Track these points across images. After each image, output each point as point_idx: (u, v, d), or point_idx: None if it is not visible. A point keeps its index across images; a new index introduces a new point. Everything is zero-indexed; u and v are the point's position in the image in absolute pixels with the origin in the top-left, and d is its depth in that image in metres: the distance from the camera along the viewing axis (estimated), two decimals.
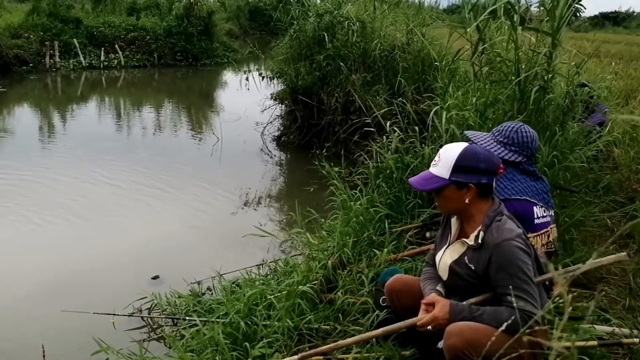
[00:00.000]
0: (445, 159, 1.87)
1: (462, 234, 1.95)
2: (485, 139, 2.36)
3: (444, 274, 1.97)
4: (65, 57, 15.51)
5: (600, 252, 2.50)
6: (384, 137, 4.04)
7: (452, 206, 1.92)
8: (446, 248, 1.98)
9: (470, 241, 1.87)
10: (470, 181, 1.84)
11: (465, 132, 2.64)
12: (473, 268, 1.84)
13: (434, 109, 3.76)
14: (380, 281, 2.62)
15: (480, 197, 1.88)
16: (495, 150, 2.28)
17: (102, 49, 16.32)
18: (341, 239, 3.18)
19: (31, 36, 15.00)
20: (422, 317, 1.86)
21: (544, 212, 2.28)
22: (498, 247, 1.77)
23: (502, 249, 1.76)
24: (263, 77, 7.64)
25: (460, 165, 1.84)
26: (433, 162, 1.94)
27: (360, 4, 7.21)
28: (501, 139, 2.31)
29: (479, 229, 1.85)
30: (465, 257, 1.88)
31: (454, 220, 2.01)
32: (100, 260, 4.04)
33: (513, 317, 1.63)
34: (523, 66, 3.37)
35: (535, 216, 2.24)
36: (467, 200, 1.86)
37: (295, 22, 7.15)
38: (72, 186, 5.78)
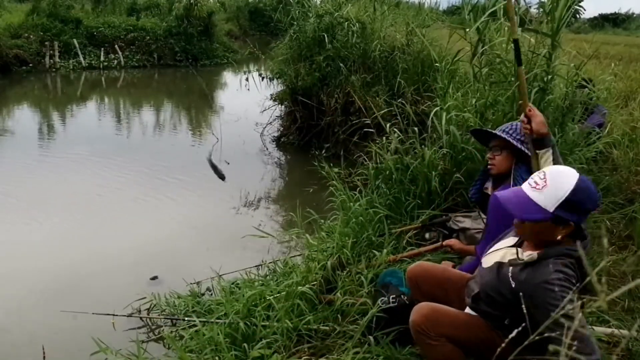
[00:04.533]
0: (555, 188, 1.58)
1: (522, 243, 1.80)
2: (505, 133, 2.37)
3: (487, 263, 1.85)
4: (65, 57, 15.50)
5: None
6: (384, 138, 4.04)
7: (539, 238, 1.68)
8: (506, 247, 1.82)
9: (523, 257, 1.70)
10: (572, 219, 1.60)
11: (483, 128, 2.63)
12: (513, 285, 1.66)
13: (434, 110, 3.76)
14: (380, 282, 2.63)
15: (571, 237, 1.64)
16: (521, 145, 2.31)
17: (102, 49, 16.32)
18: (340, 240, 3.18)
19: (31, 36, 15.00)
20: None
21: None
22: (543, 284, 1.55)
23: (545, 288, 1.54)
24: (263, 78, 7.63)
25: (571, 200, 1.57)
26: (535, 184, 1.63)
27: (360, 5, 7.22)
28: (518, 137, 2.34)
29: (538, 252, 1.66)
30: (511, 268, 1.72)
31: None
32: (99, 260, 4.04)
33: None
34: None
35: None
36: (559, 237, 1.62)
37: (295, 23, 7.15)
38: (71, 186, 5.78)
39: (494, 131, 2.47)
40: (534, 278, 1.60)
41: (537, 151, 2.15)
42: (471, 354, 1.89)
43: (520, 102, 2.42)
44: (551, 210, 1.58)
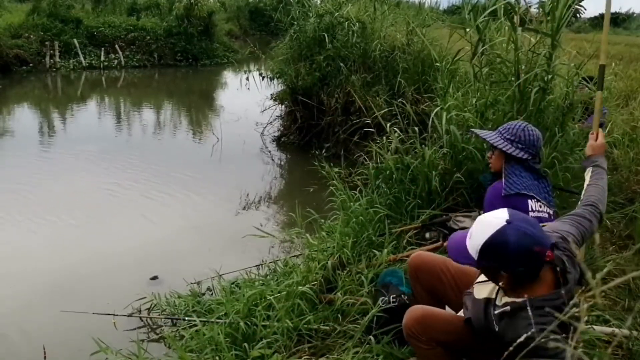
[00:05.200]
0: (474, 239, 1.61)
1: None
2: (492, 136, 2.43)
3: (478, 293, 1.80)
4: (65, 57, 15.50)
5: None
6: (384, 137, 4.04)
7: (492, 281, 1.70)
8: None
9: (499, 302, 1.66)
10: (501, 269, 1.58)
11: (472, 129, 2.69)
12: (497, 329, 1.63)
13: (434, 110, 3.76)
14: (380, 282, 2.63)
15: (522, 282, 1.59)
16: (504, 146, 2.35)
17: (102, 49, 16.32)
18: (341, 240, 3.18)
19: (31, 36, 15.00)
20: None
21: (540, 207, 2.32)
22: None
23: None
24: (263, 78, 7.64)
25: (486, 251, 1.58)
26: (470, 233, 1.66)
27: (361, 5, 7.22)
28: (508, 137, 2.38)
29: (511, 302, 1.60)
30: (493, 310, 1.67)
31: None
32: (100, 260, 4.04)
33: None
34: (523, 67, 3.38)
35: (530, 209, 2.28)
36: (501, 284, 1.64)
37: (295, 23, 7.15)
38: (71, 187, 5.79)
39: (476, 131, 2.60)
40: (511, 330, 1.55)
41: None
42: (464, 355, 1.90)
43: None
44: (475, 257, 1.60)
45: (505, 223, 1.55)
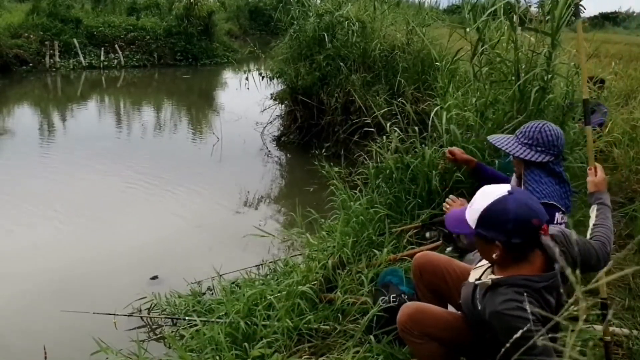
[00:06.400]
0: (475, 206, 1.64)
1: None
2: (508, 142, 2.31)
3: (472, 277, 1.85)
4: (65, 57, 15.50)
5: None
6: (384, 137, 4.04)
7: (483, 255, 1.75)
8: (487, 265, 1.80)
9: (483, 279, 1.71)
10: (496, 238, 1.59)
11: (488, 137, 2.52)
12: (479, 308, 1.68)
13: (434, 109, 3.76)
14: (380, 281, 2.63)
15: (512, 258, 1.62)
16: (521, 153, 2.24)
17: (102, 48, 16.31)
18: (341, 239, 3.18)
19: (31, 36, 15.00)
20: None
21: (562, 219, 2.22)
22: (495, 314, 1.57)
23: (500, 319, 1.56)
24: (263, 77, 7.63)
25: (485, 219, 1.61)
26: (470, 203, 1.71)
27: (361, 4, 7.22)
28: (525, 141, 2.25)
29: (492, 278, 1.66)
30: (478, 289, 1.72)
31: None
32: (100, 260, 4.04)
33: None
34: (523, 66, 3.38)
35: (555, 222, 2.18)
36: (494, 256, 1.63)
37: (295, 22, 7.15)
38: (71, 187, 5.79)
39: (490, 139, 2.43)
40: (489, 305, 1.60)
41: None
42: (460, 352, 1.90)
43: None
44: (473, 226, 1.64)
45: (507, 193, 1.60)
